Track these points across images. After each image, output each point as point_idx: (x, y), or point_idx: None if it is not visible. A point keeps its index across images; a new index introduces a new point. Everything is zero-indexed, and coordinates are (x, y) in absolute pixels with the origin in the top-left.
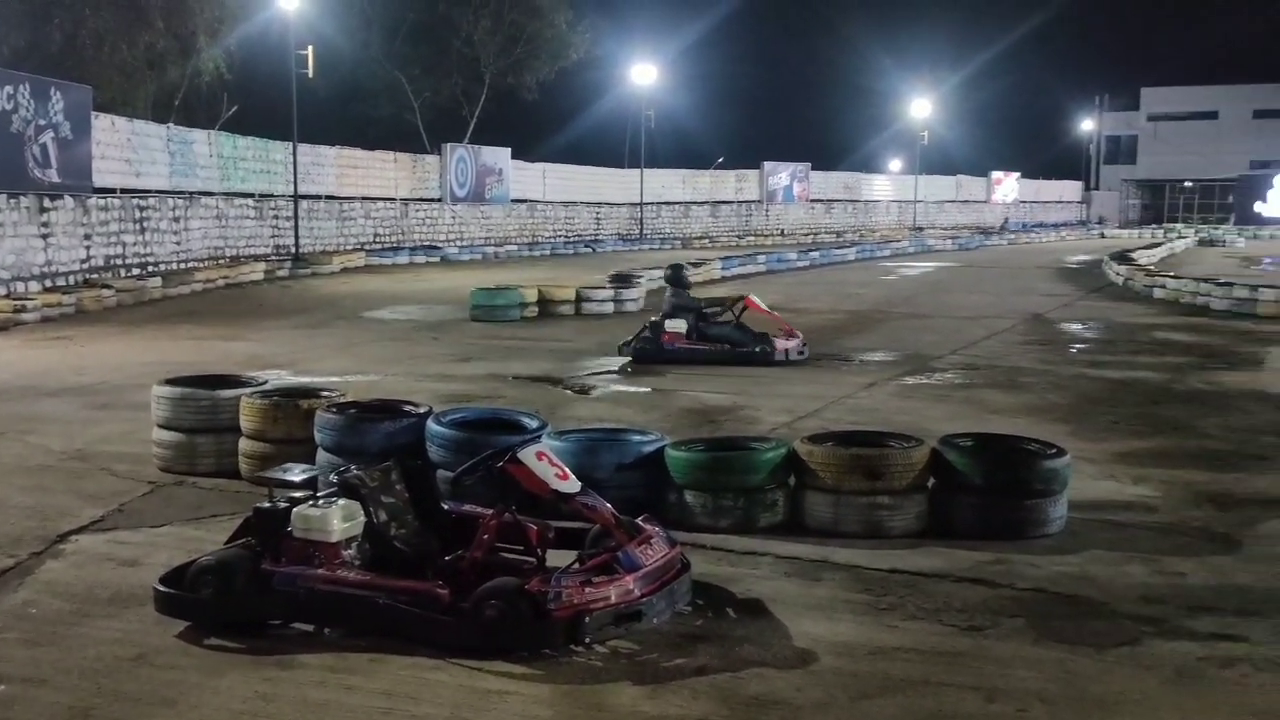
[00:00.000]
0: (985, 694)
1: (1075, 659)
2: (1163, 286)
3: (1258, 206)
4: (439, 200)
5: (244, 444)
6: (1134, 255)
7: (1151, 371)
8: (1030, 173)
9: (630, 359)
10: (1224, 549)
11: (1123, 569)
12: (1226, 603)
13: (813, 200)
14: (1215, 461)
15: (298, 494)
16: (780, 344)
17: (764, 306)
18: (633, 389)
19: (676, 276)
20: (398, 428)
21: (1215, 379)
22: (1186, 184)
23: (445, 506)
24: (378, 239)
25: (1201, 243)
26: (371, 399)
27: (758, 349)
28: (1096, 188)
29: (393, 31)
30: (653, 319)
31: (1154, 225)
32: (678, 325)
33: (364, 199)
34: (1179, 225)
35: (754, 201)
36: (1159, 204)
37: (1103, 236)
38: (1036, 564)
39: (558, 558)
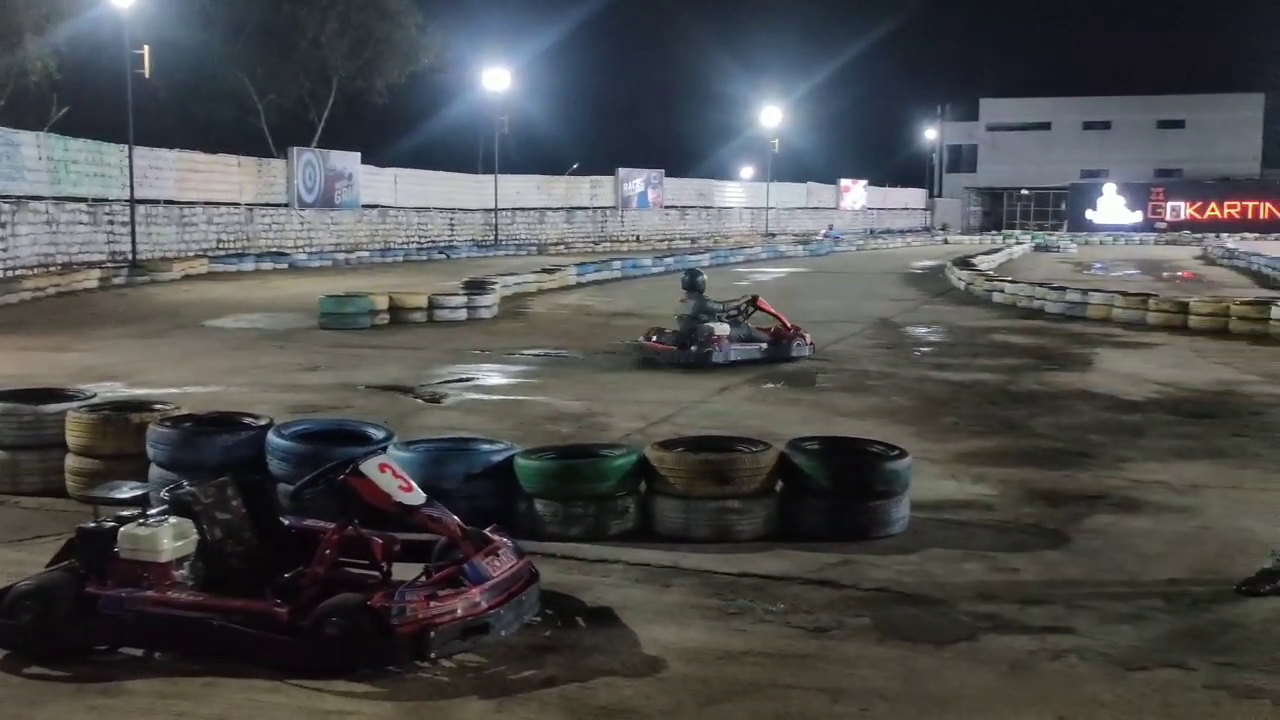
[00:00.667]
0: (831, 695)
1: (916, 656)
2: (1001, 291)
3: (1089, 214)
4: (286, 205)
5: (71, 461)
6: (975, 261)
7: (990, 373)
8: (877, 180)
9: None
10: (1054, 544)
11: (961, 566)
12: (1056, 596)
13: (667, 206)
14: (1047, 460)
15: (126, 512)
16: (806, 340)
17: (771, 308)
18: (485, 397)
19: (693, 282)
20: (236, 441)
21: (1048, 380)
22: (1023, 192)
23: (285, 522)
24: (221, 245)
25: (1037, 248)
26: (209, 411)
27: (793, 345)
28: (940, 195)
29: (236, 31)
30: (675, 328)
31: (994, 231)
32: (724, 329)
33: (206, 204)
34: (1016, 232)
35: (609, 208)
36: (998, 211)
37: (946, 242)
38: (880, 564)
39: (405, 571)
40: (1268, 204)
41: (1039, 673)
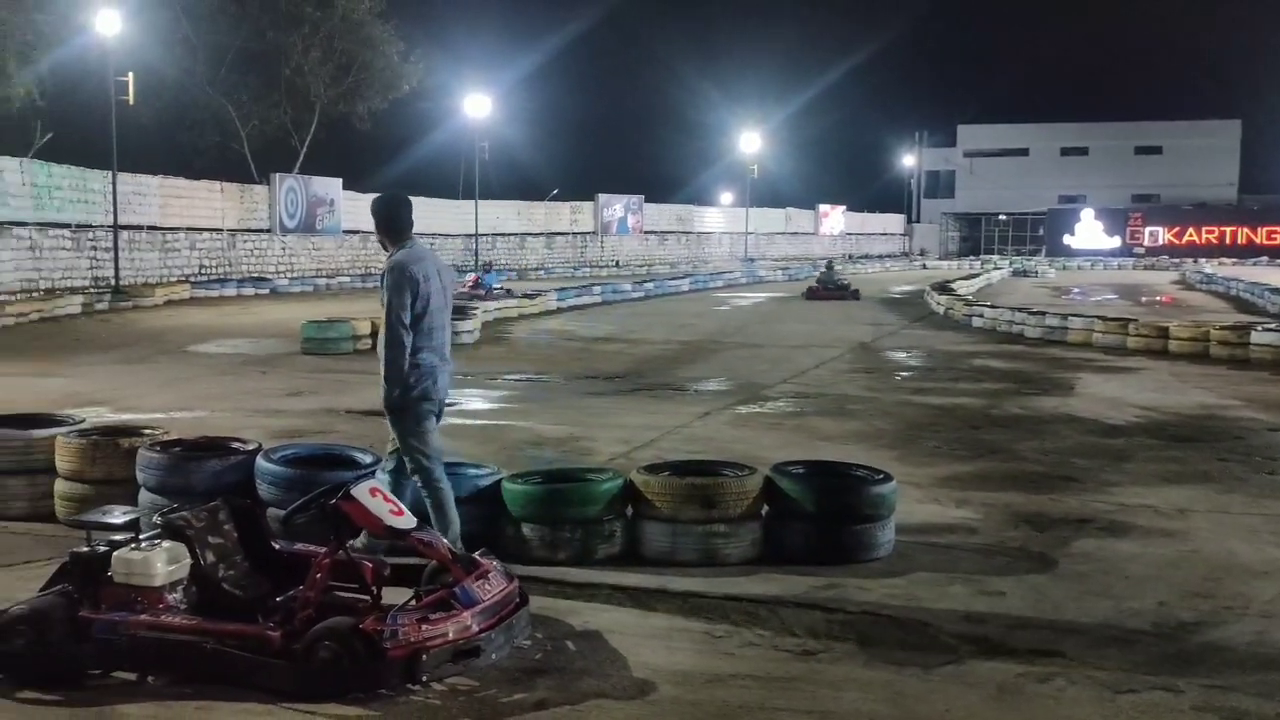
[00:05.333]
0: (819, 717)
1: (903, 679)
2: (980, 315)
3: (1066, 239)
4: (268, 231)
5: (60, 485)
6: (954, 285)
7: (971, 398)
8: (856, 206)
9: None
10: (1040, 568)
11: (947, 590)
12: (1043, 620)
13: (647, 232)
14: (1031, 483)
15: (118, 537)
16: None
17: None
18: (468, 422)
19: (830, 264)
20: (225, 466)
21: (1030, 404)
22: (1001, 217)
23: (276, 546)
24: (204, 270)
25: (1016, 273)
26: (197, 436)
27: (853, 291)
28: (918, 220)
29: (219, 58)
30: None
31: (972, 257)
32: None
33: (189, 229)
34: (995, 257)
35: (589, 233)
36: (976, 236)
37: (924, 268)
38: (866, 587)
39: (394, 595)
40: (1245, 229)
41: (1027, 696)
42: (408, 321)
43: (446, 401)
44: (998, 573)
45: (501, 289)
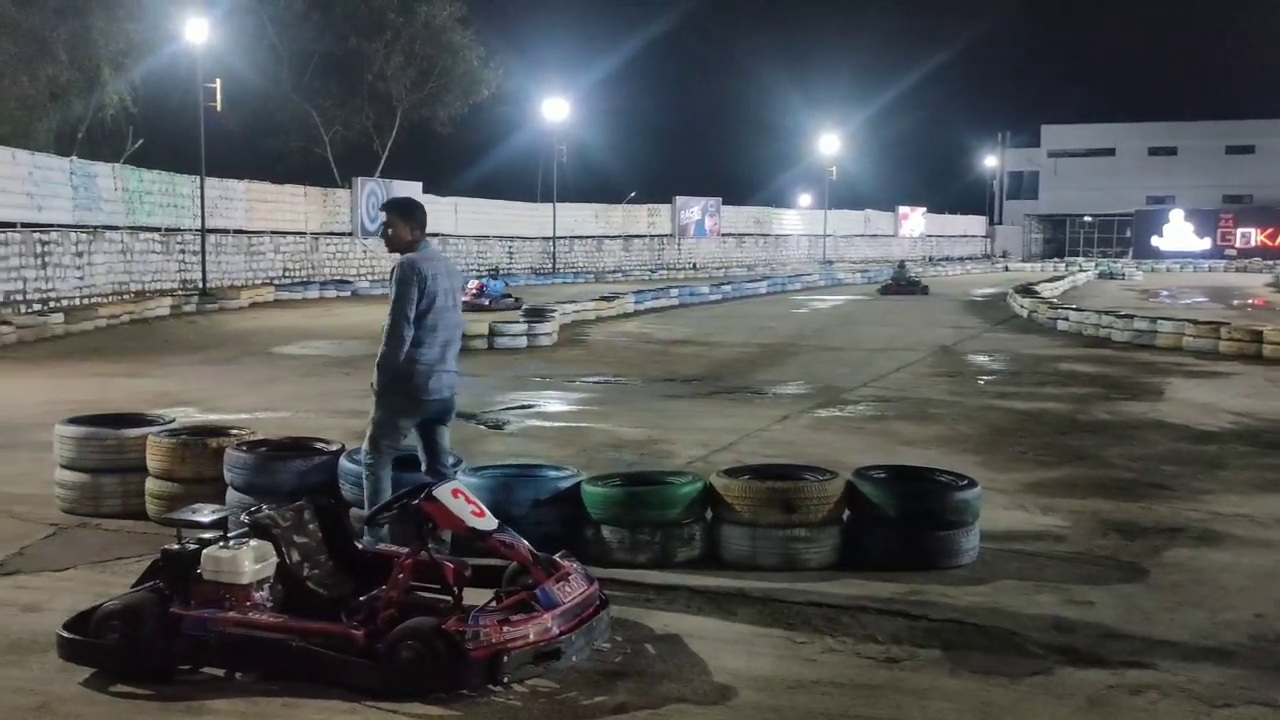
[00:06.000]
0: None
1: (990, 689)
2: (1066, 319)
3: (1154, 240)
4: (350, 234)
5: (151, 484)
6: (1037, 288)
7: (1057, 402)
8: (936, 207)
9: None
10: (1131, 577)
11: (1034, 598)
12: (1135, 630)
13: (724, 234)
14: (1121, 491)
15: (207, 535)
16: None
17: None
18: (547, 424)
19: (903, 263)
20: (310, 466)
21: (1118, 409)
22: (1086, 219)
23: (359, 546)
24: (287, 274)
25: (1101, 276)
26: (283, 437)
27: (922, 287)
28: (1000, 222)
29: (303, 65)
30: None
31: (1056, 259)
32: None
33: (274, 233)
34: (1080, 259)
35: (666, 235)
36: (1060, 238)
37: (1006, 270)
38: (950, 595)
39: (474, 596)
40: None
41: (1119, 708)
42: (411, 317)
43: (526, 405)
44: (1087, 582)
45: (510, 298)
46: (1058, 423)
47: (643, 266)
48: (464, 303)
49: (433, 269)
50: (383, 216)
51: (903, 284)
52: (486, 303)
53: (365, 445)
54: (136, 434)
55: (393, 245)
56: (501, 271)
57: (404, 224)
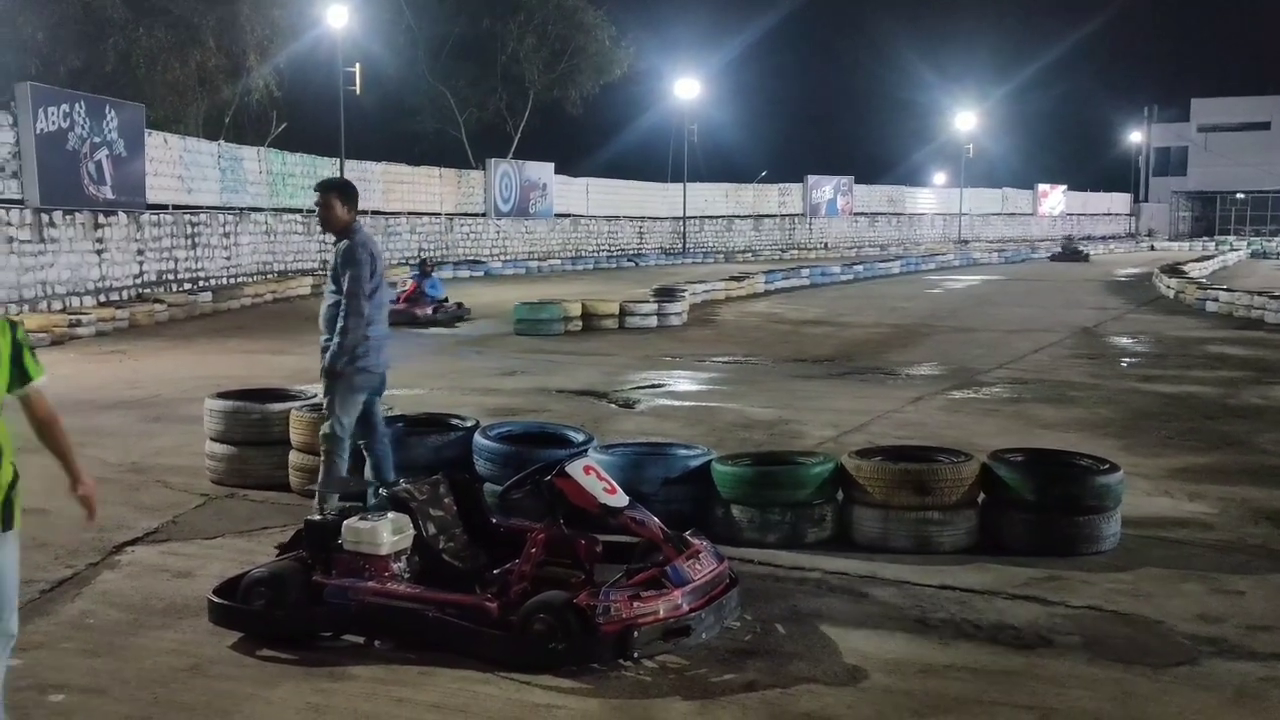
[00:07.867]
0: (1040, 714)
1: (1132, 678)
2: (1215, 300)
3: None
4: (483, 215)
5: (294, 457)
6: (1185, 268)
7: (1205, 386)
8: (1077, 185)
9: None
10: None
11: (1179, 587)
12: None
13: (856, 214)
14: (1273, 478)
15: (348, 506)
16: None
17: None
18: (677, 403)
19: (1069, 237)
20: (445, 441)
21: (1271, 394)
22: (1238, 196)
23: (493, 520)
24: (422, 253)
25: (1254, 255)
26: (419, 413)
27: (1084, 255)
28: (1146, 200)
29: (438, 47)
30: (1057, 250)
31: (1205, 238)
32: None
33: (410, 214)
34: (1231, 238)
35: (797, 215)
36: (1210, 216)
37: (1152, 249)
38: (1090, 581)
39: (604, 571)
40: None
41: (1270, 701)
42: (367, 294)
43: (656, 384)
44: (1235, 571)
45: (449, 304)
46: (1206, 407)
47: (773, 246)
48: (392, 312)
49: (374, 248)
50: (316, 196)
51: (1068, 253)
52: (430, 312)
53: (326, 429)
54: (281, 409)
55: (329, 225)
56: (430, 264)
57: (343, 205)
